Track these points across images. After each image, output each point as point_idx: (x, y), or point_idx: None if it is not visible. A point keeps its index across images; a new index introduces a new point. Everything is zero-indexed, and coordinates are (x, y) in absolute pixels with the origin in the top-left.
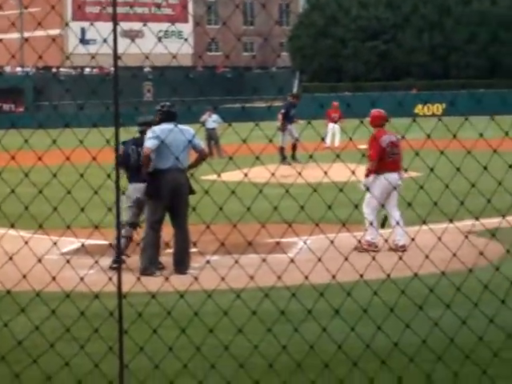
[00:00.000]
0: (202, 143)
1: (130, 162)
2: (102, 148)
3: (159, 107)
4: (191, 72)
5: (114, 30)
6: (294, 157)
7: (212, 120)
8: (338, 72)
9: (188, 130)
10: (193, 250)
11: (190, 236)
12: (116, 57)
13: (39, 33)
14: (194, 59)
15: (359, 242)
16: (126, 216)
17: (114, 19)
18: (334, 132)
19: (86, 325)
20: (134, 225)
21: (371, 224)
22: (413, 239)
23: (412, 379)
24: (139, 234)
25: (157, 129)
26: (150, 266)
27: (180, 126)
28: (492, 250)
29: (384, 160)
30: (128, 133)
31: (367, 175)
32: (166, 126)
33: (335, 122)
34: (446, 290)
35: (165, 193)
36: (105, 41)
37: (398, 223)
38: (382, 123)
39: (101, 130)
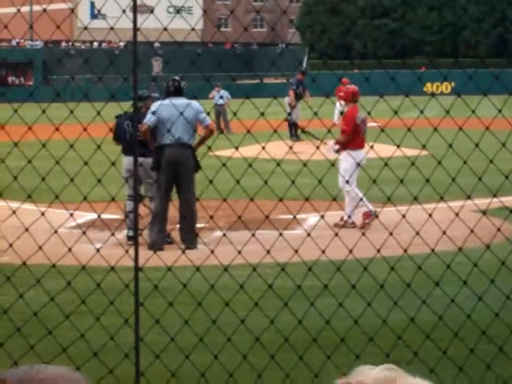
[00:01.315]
0: (208, 119)
1: (126, 137)
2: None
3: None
4: (200, 48)
5: (135, 4)
6: (295, 134)
7: (220, 96)
8: (347, 49)
9: (193, 104)
10: (203, 225)
11: (195, 211)
12: (135, 29)
13: (49, 7)
14: (203, 35)
15: (341, 219)
16: (125, 189)
17: None
18: (343, 109)
19: (101, 298)
20: (131, 197)
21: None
22: (430, 215)
23: (428, 355)
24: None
25: (156, 104)
26: (157, 240)
27: (184, 101)
28: (507, 229)
29: (357, 136)
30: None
31: (337, 144)
32: (165, 102)
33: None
34: (457, 267)
35: (164, 166)
36: (124, 12)
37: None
38: (356, 99)
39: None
